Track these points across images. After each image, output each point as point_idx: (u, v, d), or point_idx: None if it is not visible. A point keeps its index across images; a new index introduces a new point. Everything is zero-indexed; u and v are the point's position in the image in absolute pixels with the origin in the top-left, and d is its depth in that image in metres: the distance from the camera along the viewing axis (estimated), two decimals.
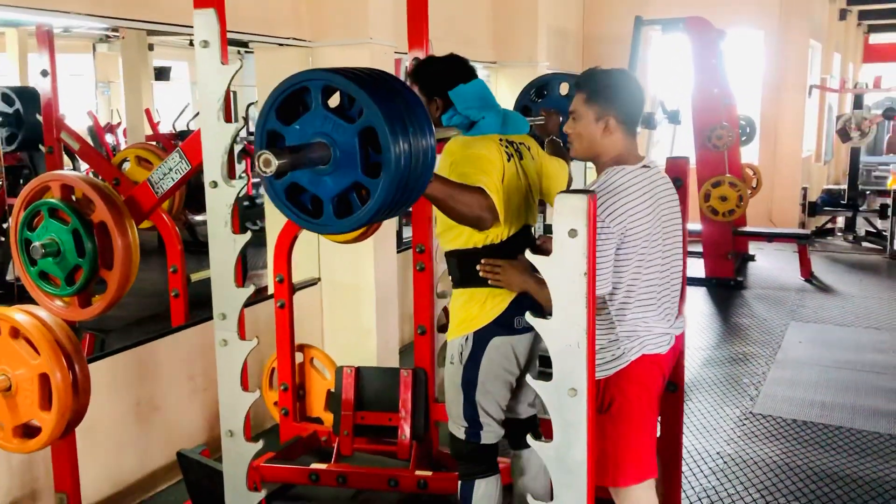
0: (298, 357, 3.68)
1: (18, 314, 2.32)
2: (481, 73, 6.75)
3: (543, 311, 2.03)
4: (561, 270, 1.76)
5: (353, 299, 4.33)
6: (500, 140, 2.45)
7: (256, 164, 1.56)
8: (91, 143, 10.50)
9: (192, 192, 8.09)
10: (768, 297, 6.69)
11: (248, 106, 9.15)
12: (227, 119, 2.09)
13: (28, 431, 2.42)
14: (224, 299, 2.18)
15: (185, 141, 2.29)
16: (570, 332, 1.78)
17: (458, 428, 2.53)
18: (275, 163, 1.53)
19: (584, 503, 1.82)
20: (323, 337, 4.43)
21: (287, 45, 4.09)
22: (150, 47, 11.31)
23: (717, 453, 3.71)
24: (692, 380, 4.70)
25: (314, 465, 3.26)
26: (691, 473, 3.49)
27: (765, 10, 9.22)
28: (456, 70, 2.55)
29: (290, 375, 3.57)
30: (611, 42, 8.56)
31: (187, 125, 10.02)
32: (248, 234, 2.13)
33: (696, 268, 7.39)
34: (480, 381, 2.46)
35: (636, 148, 2.32)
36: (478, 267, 2.35)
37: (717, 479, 3.46)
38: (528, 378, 1.86)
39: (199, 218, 7.96)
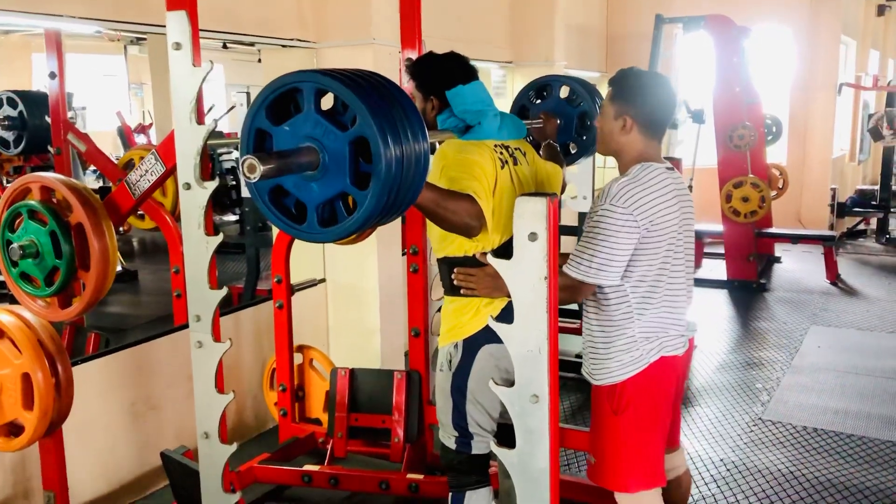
0: (298, 358, 3.68)
1: (2, 314, 2.35)
2: (496, 72, 6.72)
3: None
4: (521, 274, 1.74)
5: (357, 300, 4.32)
6: (495, 146, 2.39)
7: (240, 168, 1.52)
8: (121, 143, 10.70)
9: (217, 192, 8.22)
10: (791, 301, 6.54)
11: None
12: (200, 121, 2.11)
13: (13, 430, 2.45)
14: (198, 301, 2.19)
15: (161, 143, 2.30)
16: (530, 337, 1.76)
17: (448, 437, 2.48)
18: (260, 169, 1.49)
19: None
20: (328, 337, 4.44)
21: (291, 46, 4.11)
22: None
23: (721, 460, 3.63)
24: (703, 385, 4.61)
25: (307, 467, 3.26)
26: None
27: (793, 6, 9.04)
28: (455, 70, 2.47)
29: (288, 376, 3.58)
30: (634, 40, 8.46)
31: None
32: (220, 237, 2.14)
33: (718, 270, 7.27)
34: (470, 389, 2.42)
35: (659, 151, 2.30)
36: (452, 276, 2.30)
37: (718, 486, 3.39)
38: (491, 383, 1.83)
39: (225, 219, 8.05)
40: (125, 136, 10.17)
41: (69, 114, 9.18)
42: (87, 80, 11.34)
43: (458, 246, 2.37)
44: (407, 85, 2.57)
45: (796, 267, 7.80)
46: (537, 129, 3.05)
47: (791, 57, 9.31)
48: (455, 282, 2.29)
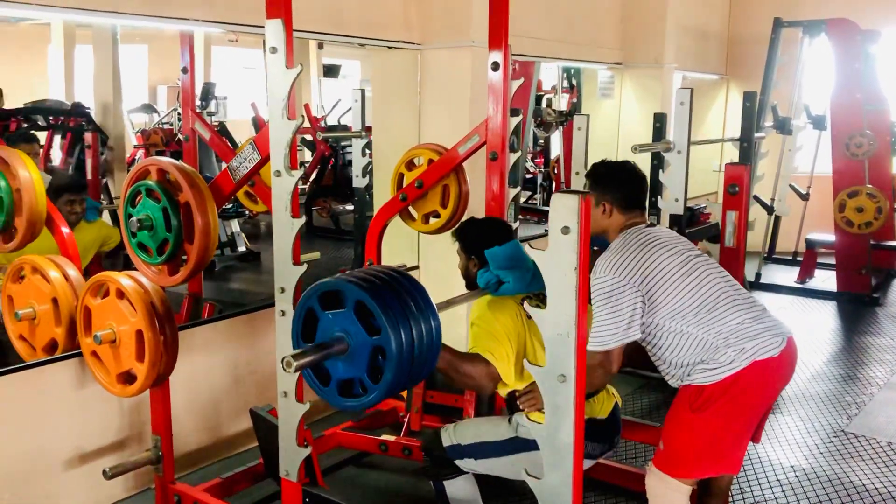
0: None
1: (123, 278, 2.74)
2: (603, 74, 6.79)
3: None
4: (555, 265, 1.91)
5: (446, 287, 4.50)
6: (523, 299, 2.69)
7: (280, 363, 1.89)
8: (255, 132, 11.42)
9: (338, 183, 8.65)
10: None
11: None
12: (290, 116, 2.39)
13: (128, 379, 2.84)
14: (283, 275, 2.47)
15: (258, 134, 2.60)
16: (560, 321, 1.92)
17: (449, 438, 2.75)
18: (294, 364, 1.84)
19: (569, 481, 1.95)
20: None
21: (396, 47, 4.38)
22: (320, 46, 12.05)
23: (791, 466, 3.64)
24: (789, 393, 4.56)
25: (384, 437, 3.53)
26: (756, 482, 3.46)
27: None
28: (492, 232, 2.84)
29: None
30: (758, 43, 8.21)
31: (338, 120, 10.66)
32: (303, 219, 2.42)
33: (829, 281, 7.05)
34: (513, 457, 2.65)
35: (642, 218, 2.66)
36: (519, 403, 2.53)
37: (783, 490, 3.40)
38: (525, 362, 2.01)
39: (342, 208, 8.49)
40: (258, 126, 10.84)
41: (212, 103, 9.86)
42: (229, 72, 12.13)
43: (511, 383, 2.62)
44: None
45: None
46: None
47: None
48: (523, 408, 2.52)
